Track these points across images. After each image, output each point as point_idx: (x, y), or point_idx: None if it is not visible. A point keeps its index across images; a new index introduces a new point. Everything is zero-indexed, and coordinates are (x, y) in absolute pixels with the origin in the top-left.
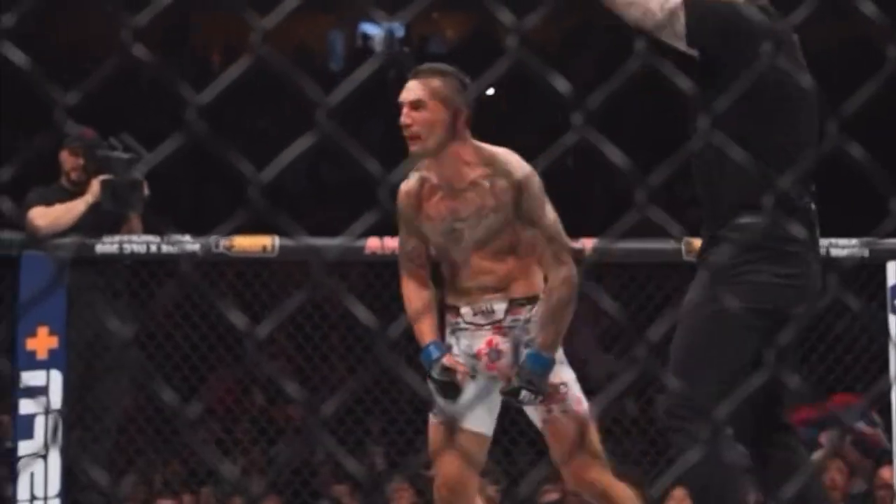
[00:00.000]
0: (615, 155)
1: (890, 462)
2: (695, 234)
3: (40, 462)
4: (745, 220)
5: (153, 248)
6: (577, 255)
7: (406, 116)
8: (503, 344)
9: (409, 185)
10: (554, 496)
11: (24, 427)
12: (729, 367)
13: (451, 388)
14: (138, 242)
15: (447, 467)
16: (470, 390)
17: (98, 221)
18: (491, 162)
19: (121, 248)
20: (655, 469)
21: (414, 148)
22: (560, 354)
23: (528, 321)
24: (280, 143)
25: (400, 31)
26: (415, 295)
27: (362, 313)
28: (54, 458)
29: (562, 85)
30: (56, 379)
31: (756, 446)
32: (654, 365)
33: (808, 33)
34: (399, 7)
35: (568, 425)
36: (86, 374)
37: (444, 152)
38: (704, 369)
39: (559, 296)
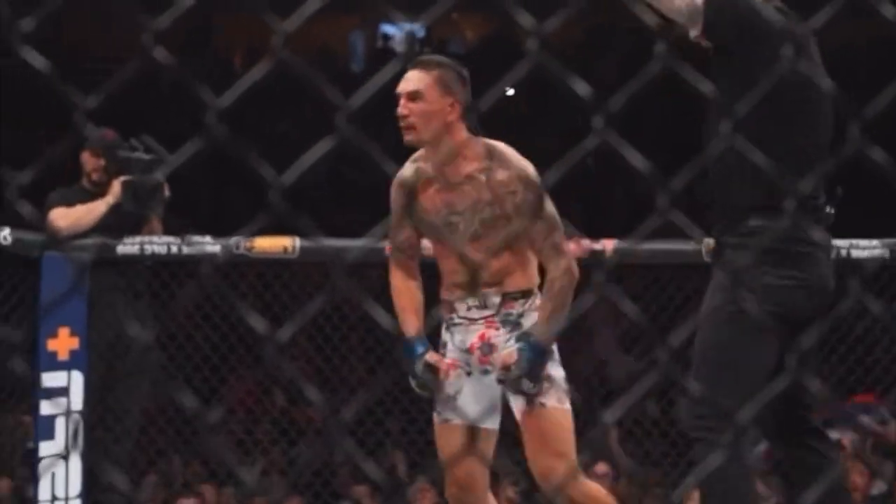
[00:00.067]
0: (636, 159)
1: None
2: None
3: (61, 463)
4: (757, 222)
5: (174, 250)
6: (598, 257)
7: (403, 107)
8: (495, 338)
9: (404, 176)
10: None
11: (46, 428)
12: (747, 371)
13: (431, 384)
14: (159, 243)
15: (450, 468)
16: (467, 387)
17: (119, 222)
18: (488, 155)
19: (142, 249)
20: (676, 470)
21: (408, 138)
22: (553, 350)
23: (521, 315)
24: (301, 145)
25: (420, 32)
26: (402, 286)
27: (381, 317)
28: (75, 458)
29: (582, 88)
30: (77, 380)
31: (783, 449)
32: (676, 370)
33: (835, 32)
34: (420, 9)
35: (544, 421)
36: (107, 375)
37: (441, 145)
38: (723, 373)
39: (560, 286)
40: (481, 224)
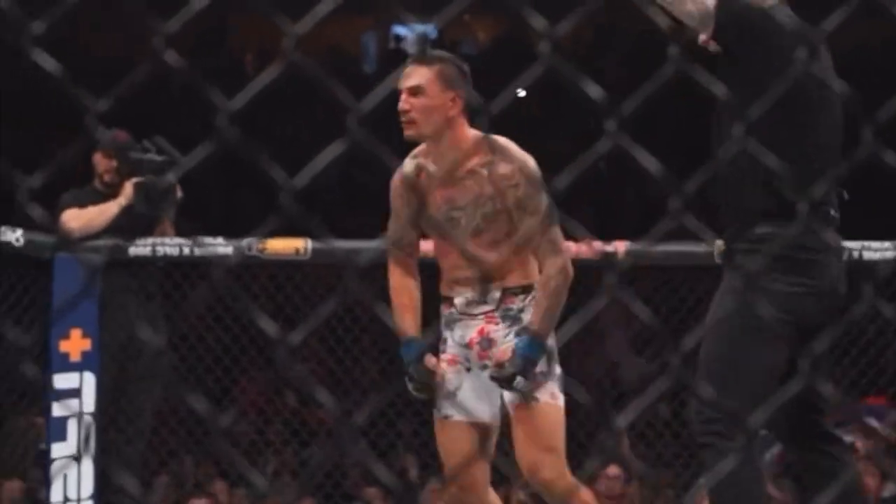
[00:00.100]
0: (649, 162)
1: None
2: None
3: (74, 464)
4: (768, 229)
5: (186, 251)
6: (610, 259)
7: (404, 103)
8: (494, 332)
9: (404, 172)
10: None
11: (58, 429)
12: (755, 375)
13: (426, 389)
14: (171, 245)
15: (453, 462)
16: (466, 383)
17: (131, 223)
18: (489, 150)
19: (154, 251)
20: (688, 472)
21: (408, 133)
22: (550, 346)
23: (521, 310)
24: (312, 147)
25: (433, 34)
26: (400, 285)
27: (391, 320)
28: (88, 460)
29: (594, 91)
30: (89, 381)
31: (796, 453)
32: (687, 374)
33: (849, 33)
34: (432, 10)
35: (535, 415)
36: (119, 377)
37: (442, 140)
38: (731, 378)
39: (555, 285)
40: (483, 219)
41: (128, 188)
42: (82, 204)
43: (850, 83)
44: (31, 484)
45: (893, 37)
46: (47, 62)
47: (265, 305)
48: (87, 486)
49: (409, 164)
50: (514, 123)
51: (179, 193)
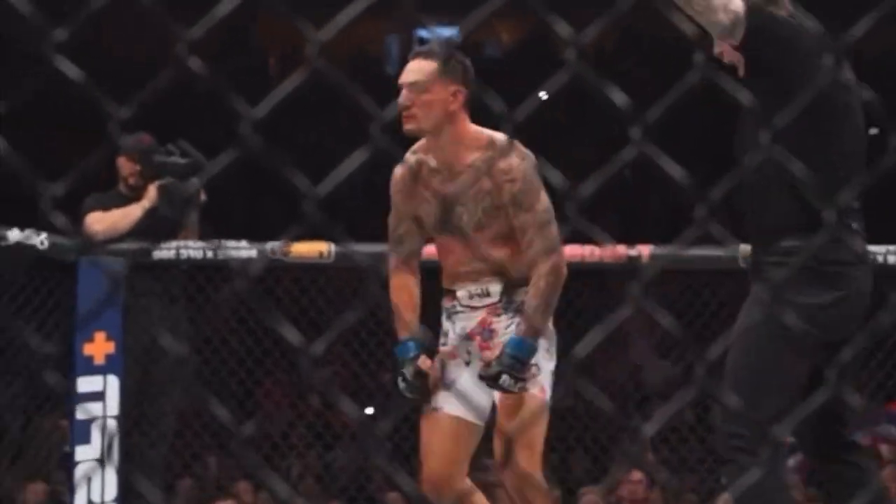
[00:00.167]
0: (674, 169)
1: None
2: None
3: (97, 467)
4: (795, 242)
5: (210, 254)
6: (634, 263)
7: (405, 98)
8: (496, 323)
9: (405, 167)
10: (592, 497)
11: (82, 432)
12: (781, 387)
13: (418, 390)
14: (195, 248)
15: (429, 459)
16: (464, 377)
17: (155, 227)
18: (489, 145)
19: (177, 254)
20: (712, 477)
21: (408, 127)
22: (545, 342)
23: (524, 303)
24: (335, 153)
25: (457, 37)
26: (400, 283)
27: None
28: (111, 465)
29: (620, 98)
30: (113, 384)
31: (821, 464)
32: (712, 385)
33: (876, 39)
34: (457, 12)
35: (519, 404)
36: (142, 380)
37: (443, 134)
38: (757, 389)
39: (546, 283)
40: (484, 213)
41: (151, 191)
42: (106, 207)
43: (875, 89)
44: (54, 486)
45: None
46: (70, 69)
47: (289, 308)
48: (111, 490)
49: (409, 159)
50: (539, 130)
51: (203, 197)
